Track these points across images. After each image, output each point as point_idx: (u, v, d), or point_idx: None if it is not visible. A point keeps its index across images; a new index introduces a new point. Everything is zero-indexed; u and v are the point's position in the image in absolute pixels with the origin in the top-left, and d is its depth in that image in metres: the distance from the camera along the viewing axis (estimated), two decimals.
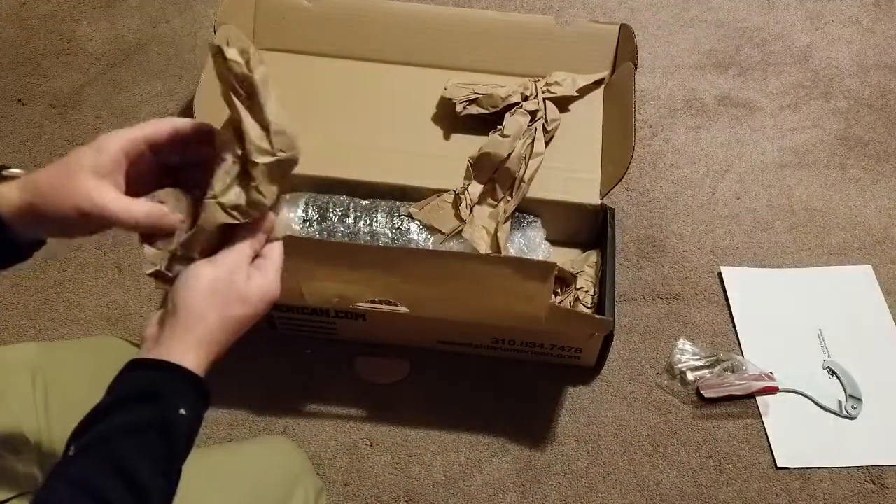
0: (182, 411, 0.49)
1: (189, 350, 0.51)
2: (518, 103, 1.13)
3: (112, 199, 0.52)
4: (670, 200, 1.26)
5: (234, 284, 0.53)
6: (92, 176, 0.51)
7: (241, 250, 0.54)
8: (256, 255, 0.56)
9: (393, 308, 0.98)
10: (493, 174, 1.09)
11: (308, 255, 0.93)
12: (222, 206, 0.53)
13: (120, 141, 0.53)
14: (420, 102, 1.18)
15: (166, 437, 0.48)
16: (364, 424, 1.05)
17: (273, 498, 0.74)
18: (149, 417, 0.48)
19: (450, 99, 1.15)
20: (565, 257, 1.11)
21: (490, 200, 1.10)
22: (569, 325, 0.97)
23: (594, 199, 1.09)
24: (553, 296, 1.06)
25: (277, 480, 0.76)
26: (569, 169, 1.11)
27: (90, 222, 0.52)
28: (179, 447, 0.49)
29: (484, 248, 1.06)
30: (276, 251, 0.56)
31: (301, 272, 0.94)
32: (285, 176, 0.55)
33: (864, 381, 1.08)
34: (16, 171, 0.58)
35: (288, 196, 1.09)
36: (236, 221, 0.54)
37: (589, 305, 1.06)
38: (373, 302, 0.98)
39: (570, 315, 0.97)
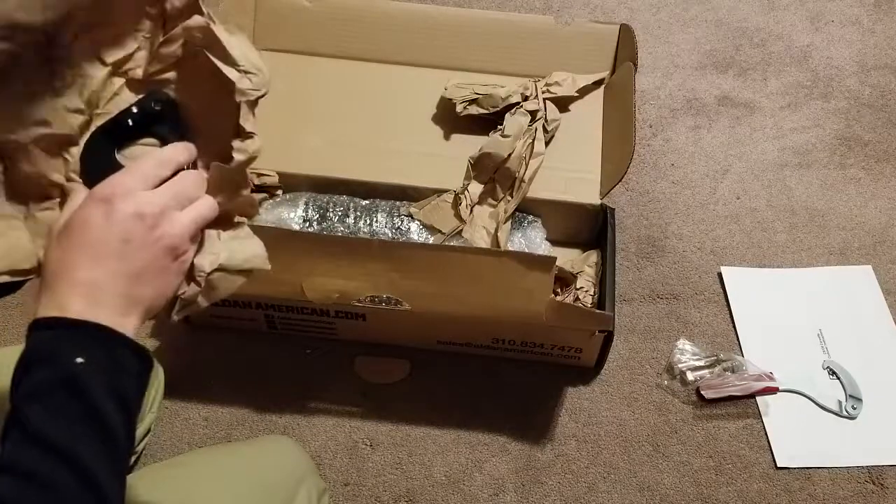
0: (79, 360, 0.45)
1: (61, 297, 0.47)
2: (518, 103, 1.13)
3: None
4: (670, 200, 1.26)
5: (67, 215, 0.49)
6: None
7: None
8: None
9: (394, 307, 0.98)
10: (494, 174, 1.09)
11: (308, 251, 0.93)
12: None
13: None
14: (420, 102, 1.18)
15: (73, 391, 0.45)
16: (364, 424, 1.05)
17: (277, 499, 0.74)
18: (46, 377, 0.45)
19: (450, 99, 1.15)
20: (565, 257, 1.11)
21: (490, 200, 1.10)
22: (569, 321, 0.97)
23: (594, 199, 1.09)
24: (553, 295, 1.06)
25: (282, 481, 0.76)
26: (569, 169, 1.11)
27: None
28: (95, 398, 0.45)
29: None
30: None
31: (301, 268, 0.94)
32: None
33: (864, 381, 1.08)
34: None
35: (288, 196, 1.10)
36: None
37: (589, 305, 1.06)
38: (373, 301, 0.98)
39: (570, 310, 0.97)
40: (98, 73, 0.54)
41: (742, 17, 1.49)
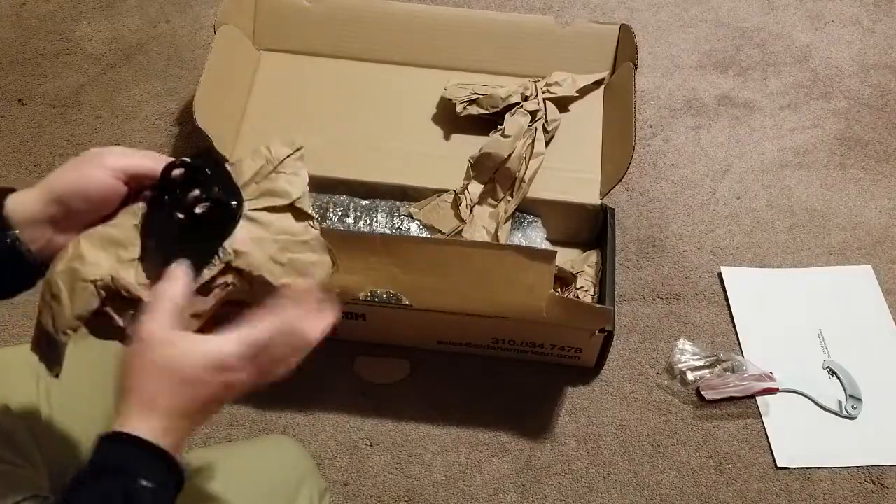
0: (143, 482, 0.49)
1: (145, 422, 0.50)
2: (518, 103, 1.13)
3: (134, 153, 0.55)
4: (670, 200, 1.26)
5: (184, 361, 0.51)
6: (110, 153, 0.55)
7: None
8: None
9: (394, 305, 0.98)
10: (494, 174, 1.09)
11: None
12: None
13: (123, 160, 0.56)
14: (420, 102, 1.18)
15: None
16: (364, 424, 1.05)
17: (279, 499, 0.74)
18: (110, 490, 0.48)
19: (450, 99, 1.15)
20: (565, 257, 1.11)
21: (490, 200, 1.10)
22: (569, 315, 0.97)
23: (594, 199, 1.09)
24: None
25: (283, 481, 0.76)
26: (569, 169, 1.12)
27: (112, 189, 0.55)
28: None
29: None
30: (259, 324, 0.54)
31: None
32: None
33: (864, 381, 1.08)
34: None
35: None
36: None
37: None
38: (373, 302, 0.98)
39: (570, 305, 0.96)
40: None
41: (742, 17, 1.49)
